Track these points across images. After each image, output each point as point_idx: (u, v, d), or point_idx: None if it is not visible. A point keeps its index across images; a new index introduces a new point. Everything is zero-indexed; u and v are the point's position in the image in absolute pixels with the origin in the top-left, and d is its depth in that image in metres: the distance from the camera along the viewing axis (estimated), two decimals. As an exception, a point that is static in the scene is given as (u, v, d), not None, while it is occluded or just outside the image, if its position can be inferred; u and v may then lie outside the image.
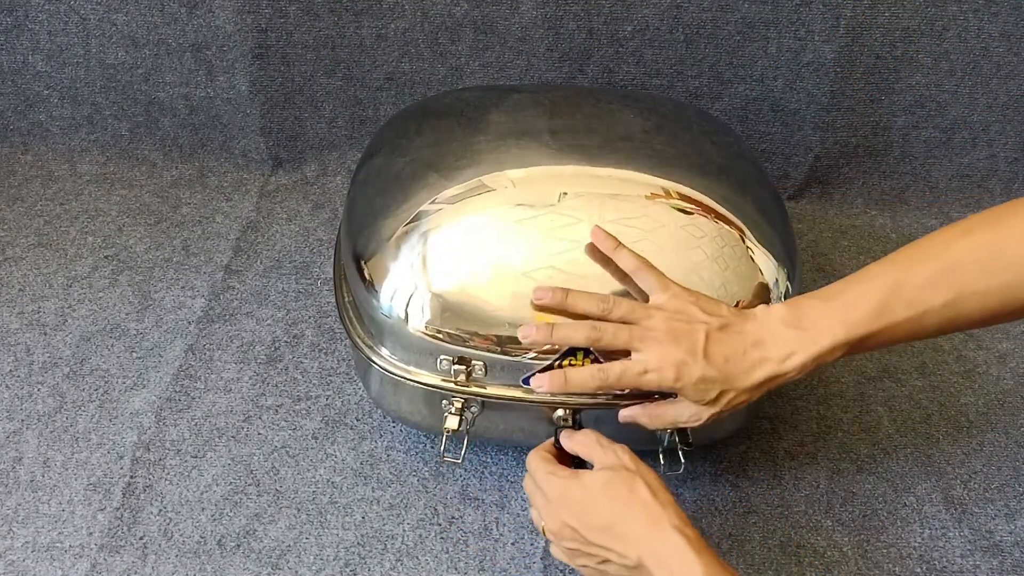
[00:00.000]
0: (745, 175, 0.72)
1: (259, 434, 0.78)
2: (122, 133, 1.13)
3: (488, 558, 0.69)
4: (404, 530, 0.71)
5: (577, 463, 0.62)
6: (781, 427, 0.81)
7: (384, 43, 1.04)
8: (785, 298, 0.65)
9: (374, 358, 0.67)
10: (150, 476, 0.74)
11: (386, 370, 0.67)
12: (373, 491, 0.74)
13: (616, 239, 0.61)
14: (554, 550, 0.60)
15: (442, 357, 0.64)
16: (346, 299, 0.71)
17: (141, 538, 0.70)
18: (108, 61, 1.08)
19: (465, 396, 0.65)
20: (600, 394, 0.63)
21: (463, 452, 0.67)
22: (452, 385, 0.65)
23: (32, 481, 0.74)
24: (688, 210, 0.64)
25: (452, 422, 0.65)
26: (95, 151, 1.14)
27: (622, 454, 0.57)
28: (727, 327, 0.57)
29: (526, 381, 0.63)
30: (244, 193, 1.09)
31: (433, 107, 0.79)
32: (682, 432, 0.65)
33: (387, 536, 0.70)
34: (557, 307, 0.59)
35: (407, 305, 0.63)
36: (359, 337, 0.68)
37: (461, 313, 0.62)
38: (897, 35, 0.98)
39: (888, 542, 0.71)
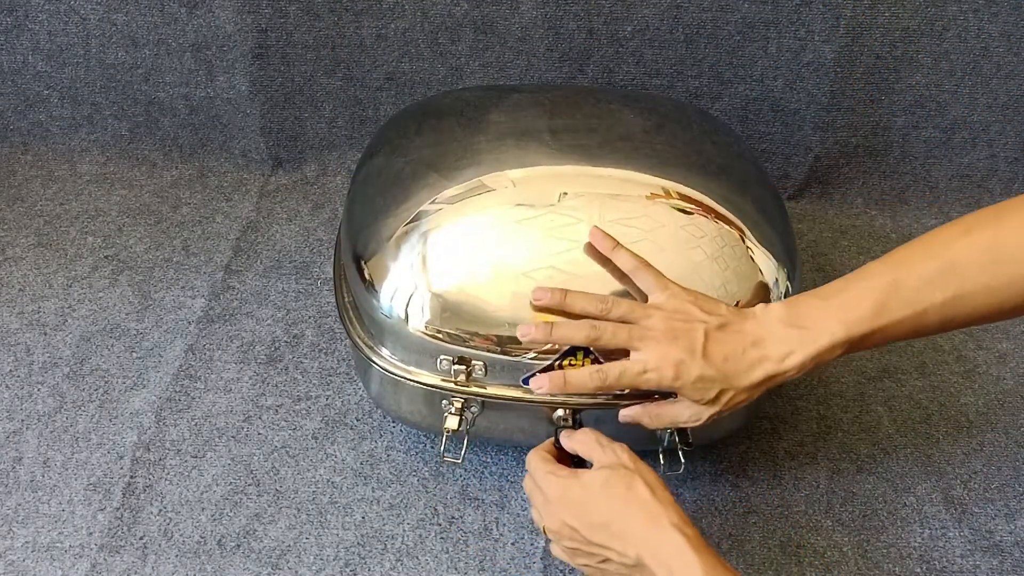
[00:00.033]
0: (745, 175, 0.72)
1: (259, 434, 0.78)
2: (122, 133, 1.13)
3: (488, 558, 0.69)
4: (404, 530, 0.71)
5: (577, 463, 0.62)
6: (781, 427, 0.81)
7: (384, 43, 1.04)
8: (785, 298, 0.65)
9: (374, 358, 0.67)
10: (150, 476, 0.74)
11: (386, 370, 0.67)
12: (373, 491, 0.74)
13: (614, 239, 0.61)
14: (554, 549, 0.60)
15: (442, 357, 0.64)
16: (346, 299, 0.71)
17: (141, 538, 0.70)
18: (108, 61, 1.08)
19: (465, 396, 0.65)
20: (600, 394, 0.63)
21: (463, 452, 0.67)
22: (452, 385, 0.65)
23: (32, 481, 0.74)
24: (688, 210, 0.64)
25: (452, 422, 0.65)
26: (95, 151, 1.14)
27: (621, 453, 0.57)
28: (726, 326, 0.57)
29: (526, 381, 0.63)
30: (244, 193, 1.09)
31: (433, 107, 0.79)
32: (682, 432, 0.65)
33: (387, 536, 0.70)
34: (556, 307, 0.59)
35: (407, 305, 0.63)
36: (359, 337, 0.68)
37: (461, 313, 0.62)
38: (897, 35, 0.98)
39: (888, 542, 0.71)
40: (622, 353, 0.58)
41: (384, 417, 0.80)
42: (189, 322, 0.89)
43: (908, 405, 0.84)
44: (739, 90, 1.04)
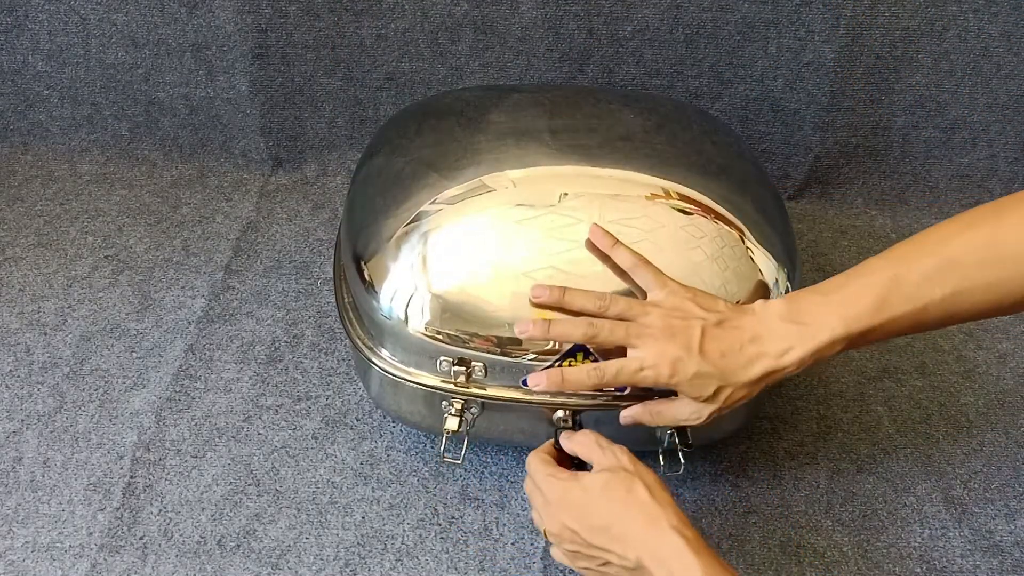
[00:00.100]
0: (745, 175, 0.72)
1: (259, 434, 0.78)
2: (122, 133, 1.13)
3: (488, 558, 0.69)
4: (404, 530, 0.71)
5: (577, 464, 0.62)
6: (781, 427, 0.81)
7: (384, 43, 1.04)
8: (785, 298, 0.65)
9: (374, 359, 0.67)
10: (150, 476, 0.74)
11: (386, 371, 0.67)
12: (373, 491, 0.74)
13: (614, 236, 0.61)
14: (555, 552, 0.60)
15: (442, 358, 0.64)
16: (346, 300, 0.71)
17: (141, 538, 0.70)
18: (108, 61, 1.08)
19: (465, 397, 0.65)
20: (600, 395, 0.63)
21: (463, 452, 0.67)
22: (452, 386, 0.65)
23: (32, 481, 0.74)
24: (688, 210, 0.64)
25: (452, 423, 0.65)
26: (95, 151, 1.14)
27: (621, 455, 0.57)
28: (724, 322, 0.57)
29: (526, 382, 0.63)
30: (244, 193, 1.09)
31: (433, 107, 0.79)
32: (682, 433, 0.65)
33: (387, 536, 0.70)
34: (555, 305, 0.59)
35: (407, 306, 0.63)
36: (359, 338, 0.68)
37: (461, 314, 0.62)
38: (897, 35, 0.98)
39: (888, 542, 0.71)
40: (620, 351, 0.58)
41: (384, 417, 0.80)
42: (189, 322, 0.89)
43: (908, 405, 0.84)
44: (739, 90, 1.04)
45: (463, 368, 0.63)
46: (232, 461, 0.76)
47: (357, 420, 0.80)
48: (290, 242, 1.01)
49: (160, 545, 0.69)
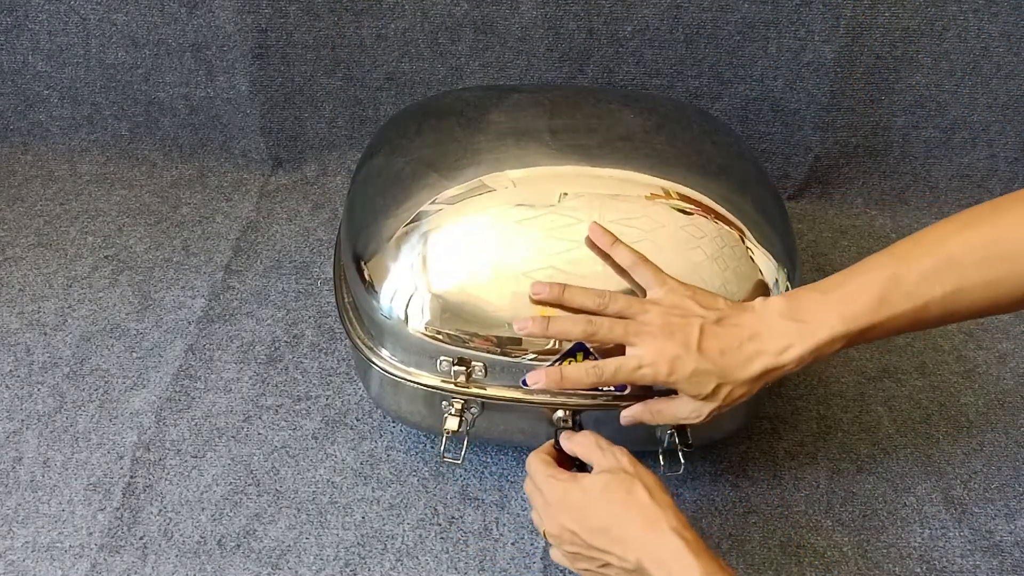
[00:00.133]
0: (745, 175, 0.72)
1: (259, 434, 0.78)
2: (122, 133, 1.13)
3: (488, 558, 0.69)
4: (404, 530, 0.71)
5: (578, 465, 0.62)
6: (781, 427, 0.81)
7: (384, 43, 1.04)
8: (785, 298, 0.65)
9: (374, 359, 0.67)
10: (150, 476, 0.74)
11: (386, 371, 0.67)
12: (373, 491, 0.74)
13: (613, 235, 0.61)
14: (554, 554, 0.60)
15: (442, 358, 0.64)
16: (346, 300, 0.71)
17: (141, 538, 0.70)
18: (108, 61, 1.08)
19: (465, 397, 0.65)
20: (600, 395, 0.63)
21: (463, 452, 0.67)
22: (452, 386, 0.65)
23: (32, 481, 0.74)
24: (688, 210, 0.64)
25: (452, 423, 0.65)
26: (95, 151, 1.14)
27: (621, 457, 0.57)
28: (723, 320, 0.57)
29: (526, 383, 0.63)
30: (244, 193, 1.09)
31: (433, 107, 0.79)
32: (682, 433, 0.65)
33: (387, 536, 0.70)
34: (554, 302, 0.59)
35: (407, 306, 0.63)
36: (359, 338, 0.68)
37: (461, 314, 0.62)
38: (897, 35, 0.98)
39: (888, 542, 0.71)
40: (620, 349, 0.58)
41: (384, 417, 0.80)
42: (189, 322, 0.89)
43: (908, 405, 0.84)
44: (739, 90, 1.04)
45: (463, 368, 0.63)
46: (232, 461, 0.76)
47: (357, 420, 0.80)
48: (290, 242, 1.01)
49: (160, 545, 0.69)
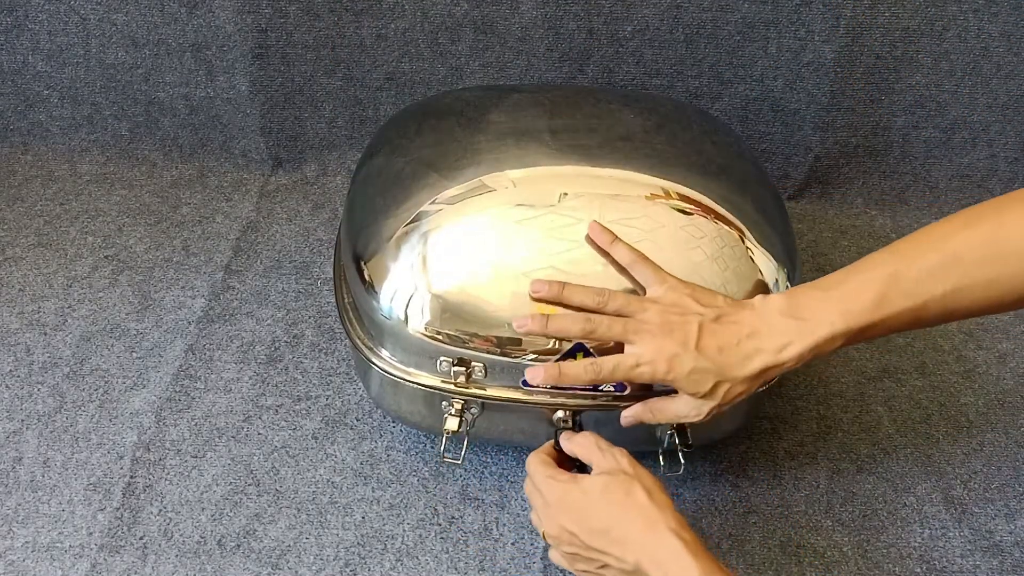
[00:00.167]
0: (745, 175, 0.72)
1: (259, 434, 0.78)
2: (122, 133, 1.13)
3: (488, 558, 0.69)
4: (404, 530, 0.71)
5: (578, 465, 0.62)
6: (781, 427, 0.81)
7: (384, 43, 1.04)
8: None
9: (374, 359, 0.67)
10: (150, 476, 0.74)
11: (386, 371, 0.67)
12: (373, 491, 0.74)
13: (613, 233, 0.61)
14: (553, 555, 0.60)
15: (442, 358, 0.64)
16: (346, 300, 0.71)
17: (141, 538, 0.70)
18: (108, 61, 1.08)
19: (465, 397, 0.65)
20: (600, 395, 0.63)
21: (463, 452, 0.67)
22: (452, 387, 0.65)
23: (32, 481, 0.74)
24: (688, 210, 0.64)
25: (452, 423, 0.65)
26: (95, 151, 1.14)
27: (620, 458, 0.57)
28: (722, 318, 0.57)
29: (526, 383, 0.63)
30: (244, 193, 1.09)
31: (433, 107, 0.79)
32: (682, 433, 0.65)
33: (387, 536, 0.70)
34: (553, 299, 0.59)
35: (407, 306, 0.63)
36: (359, 338, 0.68)
37: (461, 314, 0.62)
38: (897, 35, 0.98)
39: (888, 542, 0.71)
40: (619, 348, 0.58)
41: (384, 417, 0.80)
42: (189, 322, 0.89)
43: (908, 405, 0.84)
44: (739, 90, 1.04)
45: (463, 368, 0.63)
46: (232, 461, 0.76)
47: (357, 420, 0.80)
48: (290, 242, 1.01)
49: (160, 545, 0.69)
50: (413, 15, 1.01)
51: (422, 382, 0.65)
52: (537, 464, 0.60)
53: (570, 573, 0.60)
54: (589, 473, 0.59)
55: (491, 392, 0.64)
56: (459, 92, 0.85)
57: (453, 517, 0.72)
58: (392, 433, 0.79)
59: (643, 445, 0.68)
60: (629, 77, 1.04)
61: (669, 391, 0.60)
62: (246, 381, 0.83)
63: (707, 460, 0.77)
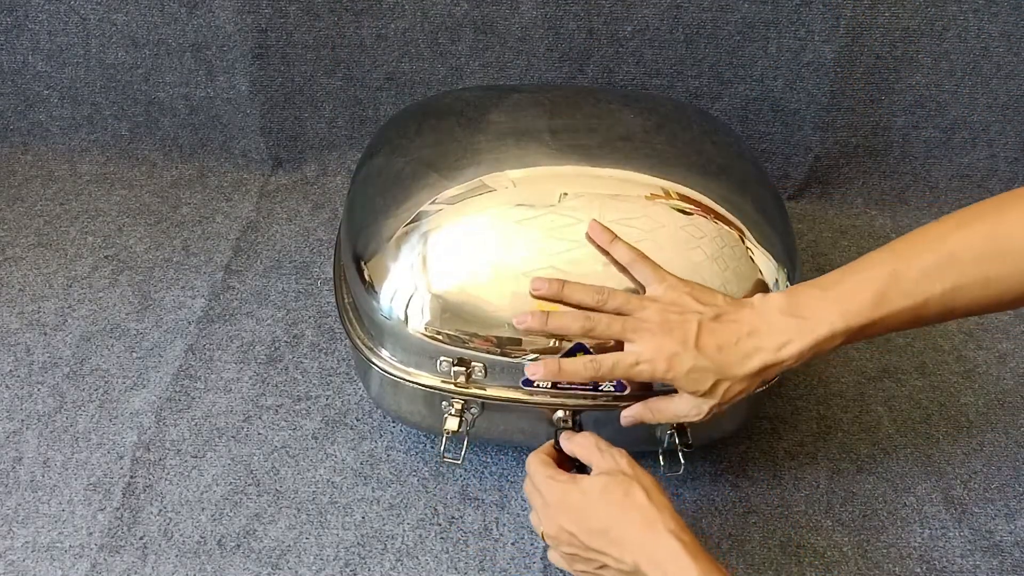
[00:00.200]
0: (745, 175, 0.72)
1: (259, 434, 0.78)
2: (122, 133, 1.13)
3: (488, 558, 0.69)
4: (404, 530, 0.71)
5: (577, 466, 0.62)
6: (781, 427, 0.81)
7: (384, 43, 1.04)
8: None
9: (374, 359, 0.67)
10: (150, 476, 0.74)
11: (386, 371, 0.67)
12: (373, 491, 0.74)
13: (612, 232, 0.61)
14: (552, 556, 0.60)
15: (442, 358, 0.64)
16: (346, 300, 0.71)
17: (141, 538, 0.70)
18: (108, 61, 1.08)
19: (465, 397, 0.65)
20: (600, 394, 0.63)
21: (463, 452, 0.67)
22: (452, 387, 0.65)
23: (32, 481, 0.74)
24: (688, 210, 0.64)
25: (452, 423, 0.65)
26: (95, 151, 1.14)
27: (620, 458, 0.57)
28: (721, 316, 0.57)
29: (526, 382, 0.63)
30: (244, 193, 1.09)
31: (433, 107, 0.79)
32: (682, 433, 0.65)
33: (387, 536, 0.70)
34: (553, 297, 0.59)
35: (407, 306, 0.63)
36: (359, 338, 0.68)
37: (461, 314, 0.62)
38: (897, 35, 0.98)
39: (888, 542, 0.71)
40: (619, 346, 0.58)
41: (384, 417, 0.80)
42: (189, 322, 0.89)
43: (908, 405, 0.84)
44: (739, 90, 1.04)
45: (463, 368, 0.63)
46: (232, 461, 0.76)
47: (357, 420, 0.80)
48: (290, 242, 1.01)
49: (160, 545, 0.69)
50: (413, 15, 1.01)
51: (422, 382, 0.65)
52: (537, 464, 0.60)
53: (569, 574, 0.60)
54: (589, 474, 0.59)
55: (491, 392, 0.64)
56: (459, 92, 0.85)
57: (453, 517, 0.72)
58: (392, 433, 0.79)
59: (643, 445, 0.68)
60: (629, 77, 1.04)
61: (669, 390, 0.60)
62: (246, 381, 0.83)
63: (707, 460, 0.77)
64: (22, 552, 0.69)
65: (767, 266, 0.65)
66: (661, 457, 0.67)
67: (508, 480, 0.75)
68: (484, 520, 0.72)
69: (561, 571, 0.68)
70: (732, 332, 0.56)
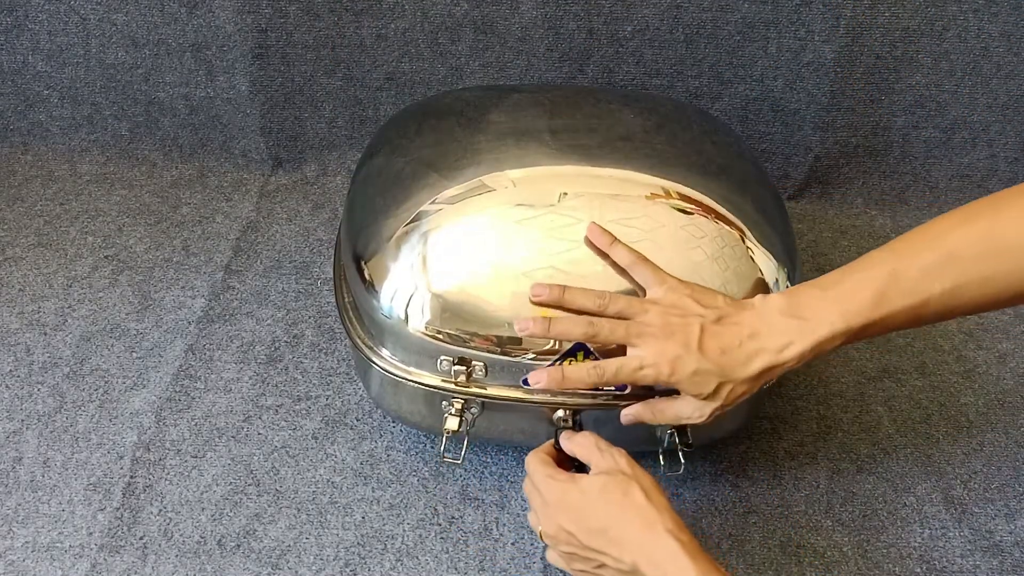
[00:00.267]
0: (745, 175, 0.72)
1: (259, 434, 0.78)
2: (122, 133, 1.13)
3: (488, 558, 0.69)
4: (404, 530, 0.71)
5: (576, 465, 0.62)
6: (781, 427, 0.81)
7: (384, 43, 1.04)
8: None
9: (374, 359, 0.67)
10: (150, 476, 0.74)
11: (386, 371, 0.67)
12: (373, 491, 0.74)
13: (612, 235, 0.61)
14: (550, 555, 0.60)
15: (442, 358, 0.64)
16: (346, 299, 0.71)
17: (141, 538, 0.70)
18: (108, 61, 1.08)
19: (465, 397, 0.65)
20: (600, 394, 0.63)
21: (463, 452, 0.67)
22: (452, 386, 0.65)
23: (32, 481, 0.74)
24: (688, 210, 0.64)
25: (452, 423, 0.65)
26: (95, 151, 1.14)
27: (619, 458, 0.57)
28: (723, 319, 0.57)
29: (526, 382, 0.63)
30: (244, 193, 1.09)
31: (433, 107, 0.79)
32: (682, 432, 0.65)
33: (387, 536, 0.70)
34: (554, 304, 0.59)
35: (407, 305, 0.63)
36: (359, 337, 0.68)
37: (461, 313, 0.62)
38: (897, 35, 0.98)
39: (888, 542, 0.71)
40: (621, 350, 0.58)
41: (384, 417, 0.80)
42: (189, 322, 0.89)
43: (908, 405, 0.84)
44: (739, 90, 1.04)
45: (463, 367, 0.63)
46: (232, 461, 0.76)
47: (357, 420, 0.80)
48: (290, 242, 1.01)
49: (160, 545, 0.69)
50: (413, 15, 1.01)
51: (422, 381, 0.65)
52: (536, 463, 0.60)
53: (568, 574, 0.60)
54: (588, 473, 0.58)
55: (491, 391, 0.64)
56: (459, 92, 0.85)
57: (453, 517, 0.72)
58: (392, 433, 0.79)
59: (643, 445, 0.68)
60: (629, 77, 1.04)
61: (670, 391, 0.60)
62: (246, 381, 0.83)
63: (707, 460, 0.77)
64: (22, 552, 0.69)
65: (767, 266, 0.65)
66: (661, 457, 0.67)
67: (508, 480, 0.75)
68: (484, 520, 0.72)
69: (561, 572, 0.68)
70: (734, 335, 0.56)
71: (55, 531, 0.70)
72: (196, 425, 0.79)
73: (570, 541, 0.56)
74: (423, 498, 0.73)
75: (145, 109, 1.11)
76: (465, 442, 0.68)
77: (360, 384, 0.83)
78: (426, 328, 0.63)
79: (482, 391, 0.64)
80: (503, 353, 0.62)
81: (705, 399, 0.57)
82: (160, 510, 0.72)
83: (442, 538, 0.70)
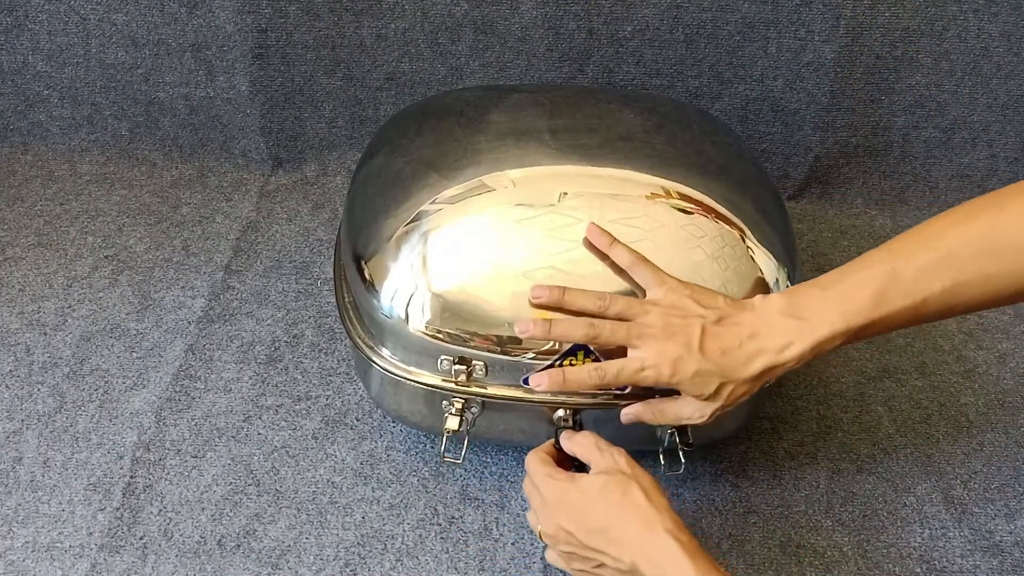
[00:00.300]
0: (745, 175, 0.72)
1: (259, 434, 0.78)
2: (122, 133, 1.13)
3: (488, 558, 0.69)
4: (404, 530, 0.71)
5: (576, 465, 0.62)
6: (781, 427, 0.81)
7: (384, 43, 1.04)
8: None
9: (374, 358, 0.67)
10: (150, 476, 0.74)
11: (386, 370, 0.67)
12: (373, 491, 0.74)
13: (611, 235, 0.61)
14: (549, 555, 0.60)
15: (442, 357, 0.64)
16: (346, 299, 0.71)
17: (141, 538, 0.70)
18: (108, 61, 1.08)
19: (465, 396, 0.65)
20: (600, 394, 0.63)
21: (463, 452, 0.67)
22: (452, 385, 0.65)
23: (32, 481, 0.74)
24: (688, 210, 0.64)
25: (452, 422, 0.65)
26: (95, 151, 1.14)
27: (619, 458, 0.57)
28: (723, 319, 0.57)
29: (526, 381, 0.63)
30: (244, 193, 1.09)
31: (433, 107, 0.79)
32: (682, 432, 0.65)
33: (387, 536, 0.70)
34: (554, 305, 0.59)
35: (407, 305, 0.63)
36: (359, 337, 0.68)
37: (461, 313, 0.62)
38: (897, 35, 0.98)
39: (888, 542, 0.71)
40: (622, 351, 0.58)
41: (384, 417, 0.80)
42: (189, 322, 0.89)
43: (908, 405, 0.84)
44: (739, 90, 1.04)
45: (463, 367, 0.63)
46: (232, 461, 0.76)
47: (357, 420, 0.80)
48: (290, 242, 1.01)
49: (160, 545, 0.69)
50: (413, 15, 1.01)
51: (423, 381, 0.65)
52: (536, 462, 0.60)
53: (568, 573, 0.60)
54: (588, 473, 0.58)
55: (492, 391, 0.64)
56: (459, 92, 0.85)
57: (453, 517, 0.72)
58: (392, 433, 0.79)
59: (643, 444, 0.68)
60: (629, 77, 1.04)
61: (671, 392, 0.60)
62: (246, 381, 0.83)
63: (707, 460, 0.77)
64: (22, 552, 0.69)
65: (767, 266, 0.65)
66: (661, 456, 0.67)
67: (508, 480, 0.75)
68: (484, 520, 0.72)
69: (561, 572, 0.68)
70: (734, 335, 0.56)
71: (55, 531, 0.70)
72: (196, 425, 0.79)
73: (569, 541, 0.56)
74: (423, 498, 0.73)
75: (145, 109, 1.11)
76: (465, 442, 0.68)
77: (360, 384, 0.83)
78: (426, 328, 0.63)
79: (482, 390, 0.64)
80: (503, 352, 0.62)
81: (706, 400, 0.57)
82: (160, 510, 0.72)
83: (442, 538, 0.70)
